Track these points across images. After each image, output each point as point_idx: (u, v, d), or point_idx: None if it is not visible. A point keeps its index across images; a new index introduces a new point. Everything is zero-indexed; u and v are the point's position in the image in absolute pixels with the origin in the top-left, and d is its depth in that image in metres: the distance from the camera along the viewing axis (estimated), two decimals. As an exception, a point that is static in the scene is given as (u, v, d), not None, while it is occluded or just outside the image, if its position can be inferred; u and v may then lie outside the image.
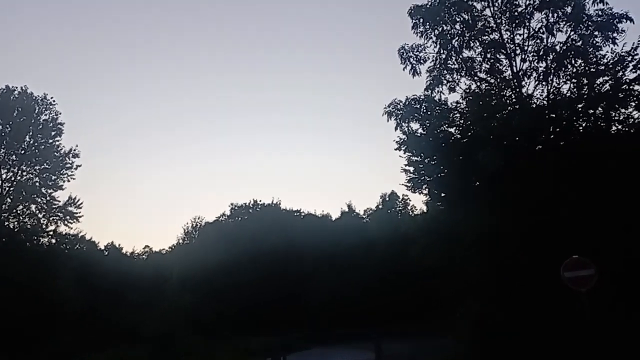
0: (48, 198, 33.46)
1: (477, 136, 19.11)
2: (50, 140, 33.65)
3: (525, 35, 20.35)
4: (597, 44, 19.24)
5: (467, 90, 21.07)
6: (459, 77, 21.34)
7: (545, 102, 19.76)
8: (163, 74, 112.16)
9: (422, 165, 20.70)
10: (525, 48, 20.33)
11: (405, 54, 21.54)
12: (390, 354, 27.97)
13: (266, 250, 52.07)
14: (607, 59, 18.72)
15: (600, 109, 18.76)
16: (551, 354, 16.03)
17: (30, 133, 33.18)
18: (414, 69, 21.53)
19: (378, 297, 45.16)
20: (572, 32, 19.60)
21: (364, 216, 62.52)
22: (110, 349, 30.89)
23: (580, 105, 18.97)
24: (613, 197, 16.54)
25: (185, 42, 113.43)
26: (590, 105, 18.75)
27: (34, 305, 28.46)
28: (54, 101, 33.97)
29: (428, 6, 21.10)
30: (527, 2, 20.24)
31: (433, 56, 21.34)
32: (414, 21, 21.25)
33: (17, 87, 33.37)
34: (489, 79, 21.19)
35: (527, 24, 20.30)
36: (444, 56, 21.14)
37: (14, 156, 32.79)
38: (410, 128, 20.87)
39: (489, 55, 20.79)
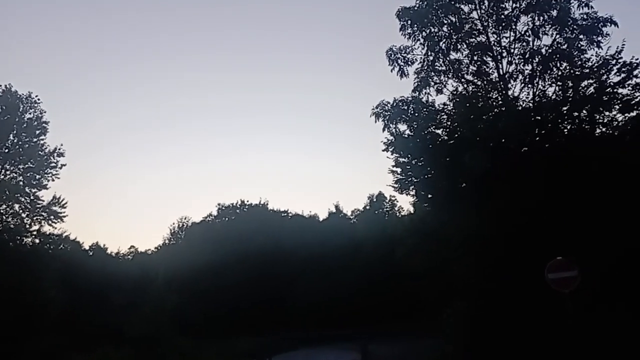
0: (32, 197, 32.88)
1: (463, 138, 19.22)
2: (35, 139, 33.10)
3: (512, 38, 20.57)
4: (582, 47, 19.52)
5: (454, 92, 21.23)
6: (446, 79, 21.54)
7: (531, 105, 19.94)
8: (150, 74, 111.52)
9: (409, 167, 20.77)
10: (512, 51, 20.53)
11: (393, 56, 21.65)
12: (379, 354, 28.04)
13: (253, 250, 51.90)
14: (591, 62, 18.96)
15: (585, 111, 18.96)
16: (537, 353, 16.18)
17: (14, 132, 32.60)
18: (402, 70, 21.66)
19: (365, 298, 45.22)
20: (558, 36, 19.86)
21: (352, 217, 62.64)
22: (95, 350, 30.52)
23: (565, 108, 19.17)
24: (597, 199, 16.73)
25: (171, 43, 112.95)
26: (575, 108, 18.95)
27: (17, 306, 28.02)
28: (38, 100, 33.42)
29: (416, 8, 21.22)
30: (514, 6, 20.48)
31: (421, 58, 21.51)
32: (401, 23, 21.37)
33: (0, 86, 32.81)
34: (475, 81, 21.36)
35: (514, 27, 20.53)
36: (431, 58, 21.27)
37: (-3, 155, 32.24)
38: (397, 129, 20.97)
39: (475, 58, 20.95)
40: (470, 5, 21.12)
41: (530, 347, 16.31)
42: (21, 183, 32.73)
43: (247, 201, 63.16)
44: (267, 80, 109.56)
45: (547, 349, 15.90)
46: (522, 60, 20.24)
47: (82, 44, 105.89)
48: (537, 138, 19.53)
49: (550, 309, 14.90)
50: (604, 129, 19.01)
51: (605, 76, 18.50)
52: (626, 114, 18.49)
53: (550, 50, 19.82)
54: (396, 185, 21.32)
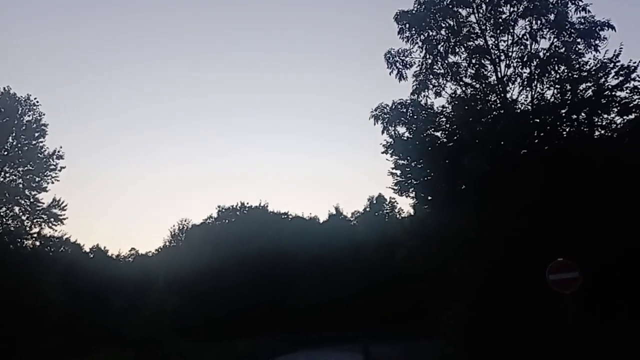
0: (32, 200, 32.90)
1: (462, 140, 19.31)
2: (34, 142, 33.11)
3: (510, 42, 20.68)
4: (579, 50, 19.63)
5: (453, 95, 21.34)
6: (444, 81, 21.63)
7: (529, 107, 20.05)
8: (150, 75, 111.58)
9: (408, 169, 20.85)
10: (510, 54, 20.66)
11: (391, 59, 21.74)
12: (379, 356, 28.08)
13: (253, 252, 51.95)
14: (589, 65, 19.06)
15: (583, 114, 19.06)
16: (538, 355, 16.24)
17: (13, 134, 32.63)
18: (400, 73, 21.76)
19: (366, 300, 45.29)
20: (556, 39, 19.97)
21: (352, 219, 62.73)
22: (95, 353, 30.54)
23: (563, 111, 19.26)
24: (596, 201, 16.82)
25: (170, 43, 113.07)
26: (573, 111, 19.05)
27: (17, 308, 28.04)
28: (37, 102, 33.42)
29: (414, 12, 21.32)
30: (512, 9, 20.58)
31: (419, 61, 21.62)
32: (400, 26, 21.47)
33: (-1, 88, 32.87)
34: (474, 84, 21.45)
35: (512, 30, 20.64)
36: (429, 61, 21.38)
37: (-4, 157, 32.28)
38: (396, 132, 21.06)
39: (474, 61, 21.06)
40: (468, 9, 21.23)
41: (531, 348, 16.36)
42: (21, 185, 32.75)
43: (247, 203, 63.28)
44: (267, 81, 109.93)
45: (547, 350, 15.95)
46: (520, 63, 20.36)
47: (81, 45, 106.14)
48: (536, 140, 19.62)
49: (551, 310, 14.97)
50: (602, 132, 19.12)
51: (603, 79, 18.62)
52: (624, 117, 18.63)
53: (548, 54, 19.94)
54: (396, 187, 21.40)
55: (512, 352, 16.84)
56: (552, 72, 19.86)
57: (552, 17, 19.90)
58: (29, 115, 33.14)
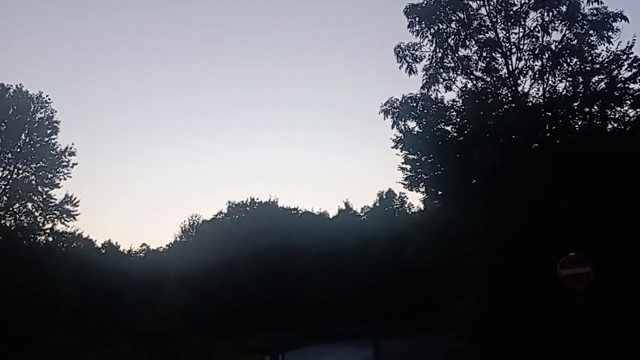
0: (44, 196, 33.34)
1: (473, 134, 19.17)
2: (46, 139, 33.52)
3: (521, 34, 20.43)
4: (592, 42, 19.33)
5: (463, 89, 21.15)
6: (455, 75, 21.40)
7: (541, 101, 19.83)
8: (159, 72, 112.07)
9: (418, 164, 20.77)
10: (521, 47, 20.40)
11: (401, 53, 21.57)
12: (389, 351, 28.08)
13: (263, 248, 52.15)
14: (602, 57, 18.82)
15: (595, 107, 18.84)
16: (549, 351, 16.13)
17: (26, 131, 33.05)
18: (410, 67, 21.58)
19: (375, 295, 45.28)
20: (568, 31, 19.69)
21: (362, 214, 62.69)
22: (108, 348, 30.85)
23: (575, 104, 19.05)
24: (609, 195, 16.63)
25: (181, 40, 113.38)
26: (585, 104, 18.84)
27: (30, 304, 28.39)
28: (49, 99, 33.83)
29: (424, 5, 21.14)
30: (523, 1, 20.34)
31: (429, 55, 21.42)
32: (409, 20, 21.29)
33: (12, 86, 33.22)
34: (485, 77, 21.24)
35: (523, 22, 20.38)
36: (440, 55, 21.18)
37: (9, 154, 32.67)
38: (406, 126, 20.93)
39: (484, 54, 20.84)
40: (478, 2, 21.01)
41: (542, 343, 16.27)
42: (33, 182, 33.18)
43: (257, 199, 63.56)
44: (277, 77, 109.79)
45: (560, 347, 15.83)
46: (532, 56, 20.10)
47: (92, 43, 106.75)
48: (548, 134, 19.44)
49: (563, 305, 14.85)
50: (615, 125, 18.89)
51: (616, 71, 18.39)
52: (638, 110, 18.40)
53: (560, 46, 19.66)
54: (406, 182, 21.33)
55: (522, 347, 16.75)
56: (564, 65, 19.60)
57: (563, 8, 19.62)
58: (41, 113, 33.56)
